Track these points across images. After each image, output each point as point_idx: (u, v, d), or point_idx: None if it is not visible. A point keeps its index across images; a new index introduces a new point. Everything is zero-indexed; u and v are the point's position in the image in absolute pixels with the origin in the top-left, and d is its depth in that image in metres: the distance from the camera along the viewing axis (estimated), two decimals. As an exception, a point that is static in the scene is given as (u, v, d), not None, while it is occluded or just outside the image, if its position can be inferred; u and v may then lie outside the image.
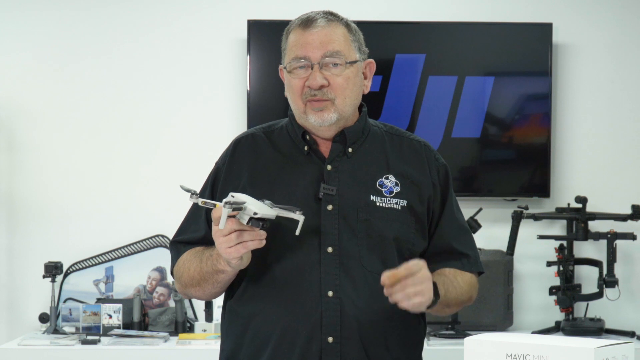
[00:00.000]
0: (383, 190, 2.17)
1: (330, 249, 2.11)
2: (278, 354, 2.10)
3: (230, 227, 1.96)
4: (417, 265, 2.00)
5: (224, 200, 1.94)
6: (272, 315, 2.11)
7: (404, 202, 2.17)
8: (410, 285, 1.98)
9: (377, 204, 2.15)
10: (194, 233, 2.22)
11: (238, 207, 1.94)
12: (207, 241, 2.15)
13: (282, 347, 2.10)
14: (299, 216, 2.01)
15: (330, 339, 2.08)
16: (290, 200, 2.07)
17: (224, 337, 2.22)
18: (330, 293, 2.09)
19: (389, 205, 2.16)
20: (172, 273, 2.27)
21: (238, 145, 2.23)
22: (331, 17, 2.16)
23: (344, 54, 2.14)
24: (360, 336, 2.10)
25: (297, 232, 2.01)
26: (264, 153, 2.20)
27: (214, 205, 1.98)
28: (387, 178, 2.19)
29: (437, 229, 2.23)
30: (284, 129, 2.23)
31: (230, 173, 2.19)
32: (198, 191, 2.21)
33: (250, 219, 1.96)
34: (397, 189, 2.17)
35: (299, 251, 2.10)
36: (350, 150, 2.19)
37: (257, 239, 1.99)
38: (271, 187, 2.12)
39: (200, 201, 1.99)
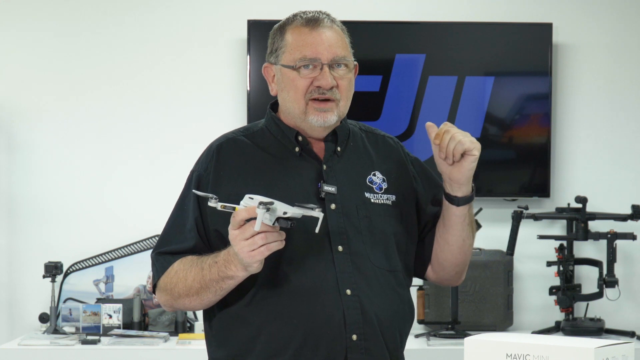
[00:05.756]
0: (374, 187, 2.20)
1: (340, 248, 2.12)
2: (301, 355, 2.08)
3: (253, 230, 1.93)
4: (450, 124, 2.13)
5: (258, 201, 1.92)
6: (293, 318, 2.08)
7: (393, 197, 2.21)
8: (457, 132, 2.10)
9: (372, 200, 2.18)
10: (182, 243, 2.16)
11: (268, 208, 1.92)
12: (198, 251, 2.13)
13: (305, 348, 2.08)
14: (318, 213, 1.98)
15: (354, 337, 2.09)
16: (291, 201, 2.05)
17: (214, 346, 2.18)
18: (348, 291, 2.09)
19: (382, 202, 2.19)
20: (154, 286, 2.20)
21: (221, 150, 2.19)
22: (331, 17, 2.18)
23: (349, 58, 2.17)
24: (380, 331, 2.12)
25: (317, 230, 1.99)
26: (253, 155, 2.18)
27: (233, 209, 1.96)
28: (374, 175, 2.22)
29: (433, 199, 2.27)
30: (265, 131, 2.22)
31: (219, 179, 2.15)
32: (178, 200, 2.20)
33: (278, 218, 1.95)
34: (384, 185, 2.21)
35: (310, 252, 2.10)
36: (339, 149, 2.21)
37: (280, 239, 1.98)
38: (268, 189, 2.09)
39: (219, 205, 1.96)
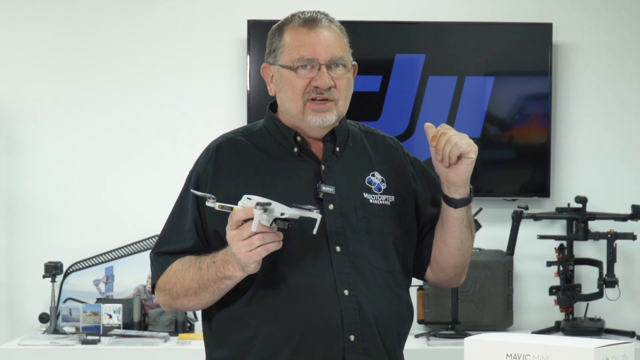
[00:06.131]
0: (372, 187, 2.20)
1: (338, 248, 2.12)
2: (299, 356, 2.08)
3: (250, 230, 1.94)
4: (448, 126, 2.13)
5: (256, 201, 1.92)
6: (290, 318, 2.08)
7: (392, 198, 2.21)
8: (454, 135, 2.09)
9: (371, 201, 2.18)
10: (181, 243, 2.16)
11: (265, 209, 1.92)
12: (196, 251, 2.13)
13: (303, 349, 2.08)
14: (316, 215, 1.98)
15: (352, 337, 2.08)
16: (289, 202, 2.06)
17: (213, 346, 2.18)
18: (346, 292, 2.09)
19: (380, 202, 2.19)
20: (153, 286, 2.20)
21: (220, 151, 2.19)
22: (329, 17, 2.18)
23: (347, 58, 2.16)
24: (378, 332, 2.12)
25: (315, 231, 1.99)
26: (252, 156, 2.18)
27: (231, 209, 1.96)
28: (373, 175, 2.22)
29: (433, 200, 2.27)
30: (264, 131, 2.22)
31: (217, 179, 2.16)
32: (177, 200, 2.20)
33: (276, 219, 1.95)
34: (383, 186, 2.21)
35: (308, 252, 2.10)
36: (337, 149, 2.21)
37: (277, 240, 1.98)
38: (267, 190, 2.08)
39: (217, 205, 1.97)
